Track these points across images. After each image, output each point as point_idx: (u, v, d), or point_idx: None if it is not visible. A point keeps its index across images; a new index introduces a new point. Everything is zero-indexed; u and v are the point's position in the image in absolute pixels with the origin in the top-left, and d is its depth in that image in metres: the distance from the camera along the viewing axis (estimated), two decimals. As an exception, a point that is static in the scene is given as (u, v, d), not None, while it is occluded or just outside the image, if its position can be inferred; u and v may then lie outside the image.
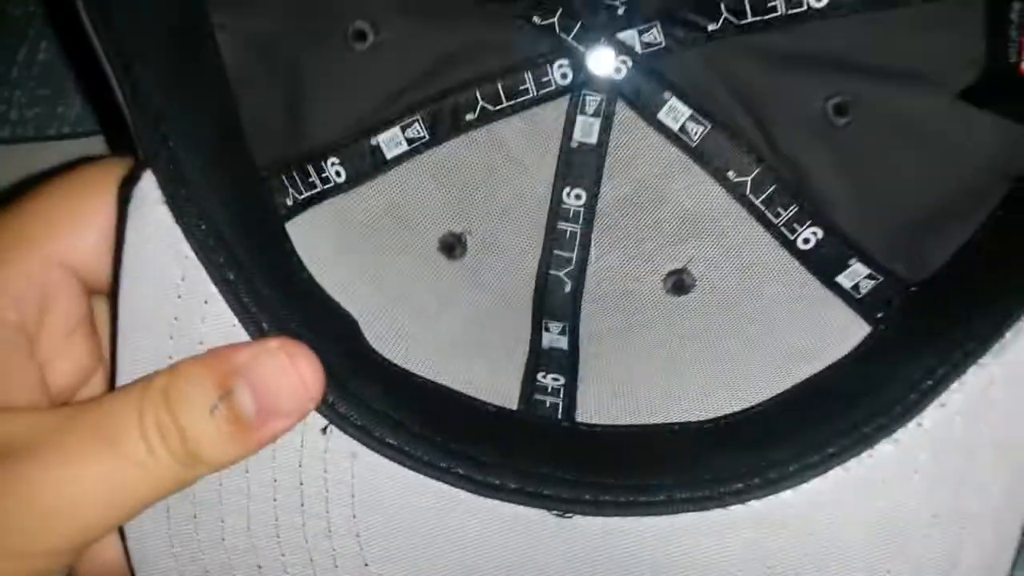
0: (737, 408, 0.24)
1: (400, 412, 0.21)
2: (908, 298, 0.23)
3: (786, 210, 0.28)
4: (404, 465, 0.21)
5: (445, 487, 0.21)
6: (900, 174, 0.26)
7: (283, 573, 0.21)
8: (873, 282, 0.26)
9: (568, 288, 0.30)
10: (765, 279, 0.28)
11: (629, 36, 0.29)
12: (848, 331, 0.25)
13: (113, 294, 0.19)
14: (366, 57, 0.28)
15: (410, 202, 0.29)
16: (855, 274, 0.26)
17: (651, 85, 0.29)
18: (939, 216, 0.25)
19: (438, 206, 0.29)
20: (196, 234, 0.19)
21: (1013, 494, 0.19)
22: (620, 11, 0.28)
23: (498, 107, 0.29)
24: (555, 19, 0.29)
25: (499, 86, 0.29)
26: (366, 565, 0.21)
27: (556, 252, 0.30)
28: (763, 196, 0.29)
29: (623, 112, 0.30)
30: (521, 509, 0.21)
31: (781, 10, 0.27)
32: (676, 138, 0.30)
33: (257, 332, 0.20)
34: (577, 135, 0.30)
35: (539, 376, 0.27)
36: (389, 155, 0.29)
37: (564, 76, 0.30)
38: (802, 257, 0.28)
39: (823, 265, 0.27)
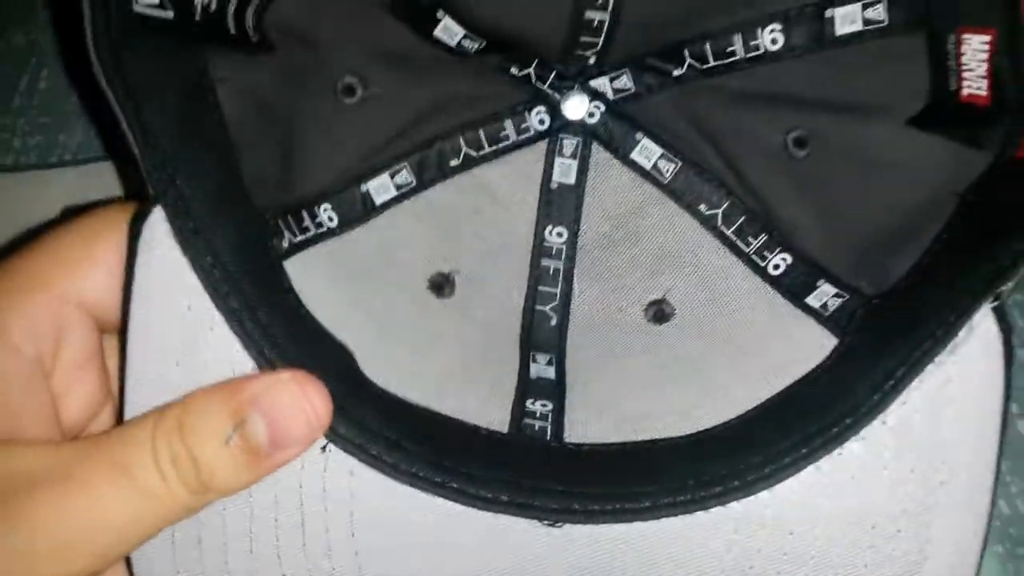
0: (718, 421, 0.25)
1: (395, 432, 0.22)
2: (870, 309, 0.25)
3: (756, 239, 0.30)
4: (400, 480, 0.22)
5: (440, 501, 0.22)
6: (859, 199, 0.28)
7: None
8: (840, 300, 0.27)
9: (554, 321, 0.31)
10: (739, 305, 0.30)
11: (601, 83, 0.31)
12: (818, 345, 0.26)
13: (123, 323, 0.21)
14: (356, 110, 0.29)
15: (400, 244, 0.30)
16: (823, 294, 0.28)
17: (623, 127, 0.31)
18: (897, 235, 0.26)
19: (426, 247, 0.31)
20: (202, 265, 0.21)
21: (976, 488, 0.21)
22: (591, 60, 0.31)
23: (481, 153, 0.31)
24: (531, 70, 0.31)
25: (481, 133, 0.31)
26: None
27: (541, 288, 0.32)
28: (734, 227, 0.30)
29: (598, 153, 0.32)
30: (513, 520, 0.22)
31: (740, 54, 0.29)
32: (649, 176, 0.31)
33: (259, 357, 0.21)
34: (556, 176, 0.32)
35: (528, 403, 0.28)
36: (379, 200, 0.30)
37: (542, 122, 0.31)
38: (774, 282, 0.29)
39: (793, 288, 0.29)
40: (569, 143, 0.32)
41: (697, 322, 0.30)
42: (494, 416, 0.27)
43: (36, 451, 0.20)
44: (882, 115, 0.27)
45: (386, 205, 0.30)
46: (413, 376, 0.27)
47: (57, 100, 0.37)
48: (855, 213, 0.28)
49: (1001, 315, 0.20)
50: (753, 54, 0.29)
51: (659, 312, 0.31)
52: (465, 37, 0.29)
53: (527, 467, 0.24)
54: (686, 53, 0.30)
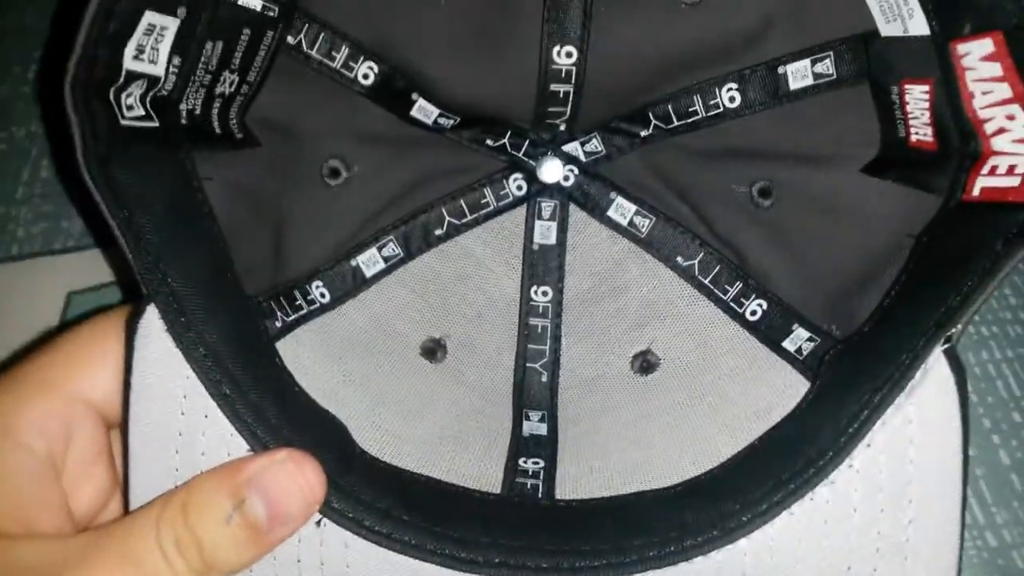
0: (701, 471, 0.26)
1: (388, 501, 0.23)
2: (837, 353, 0.26)
3: (732, 287, 0.31)
4: (394, 550, 0.23)
5: (432, 567, 0.23)
6: (823, 245, 0.29)
7: None
8: (812, 343, 0.28)
9: (544, 378, 0.32)
10: (721, 351, 0.31)
11: (573, 147, 0.33)
12: (794, 390, 0.27)
13: (123, 415, 0.22)
14: (341, 191, 0.31)
15: (391, 313, 0.32)
16: (798, 338, 0.29)
17: (597, 188, 0.33)
18: (860, 278, 0.27)
19: (417, 315, 0.32)
20: (195, 356, 0.22)
21: (945, 522, 0.21)
22: (562, 127, 0.32)
23: (463, 221, 0.33)
24: (505, 140, 0.32)
25: (462, 203, 0.33)
26: None
27: (530, 346, 0.33)
28: (710, 276, 0.31)
29: (576, 214, 0.33)
30: (505, 581, 0.23)
31: (701, 113, 0.30)
32: (626, 232, 0.33)
33: (253, 440, 0.22)
34: (537, 238, 0.33)
35: (520, 461, 0.29)
36: (368, 273, 0.32)
37: (519, 187, 0.33)
38: (751, 328, 0.30)
39: (770, 333, 0.30)
40: (547, 206, 0.33)
41: (682, 371, 0.31)
42: (487, 476, 0.28)
43: (50, 545, 0.21)
44: (838, 163, 0.28)
45: (376, 277, 0.32)
46: (406, 442, 0.28)
47: (59, 188, 0.39)
48: (821, 258, 0.29)
49: (953, 357, 0.21)
50: (713, 112, 0.30)
51: (645, 363, 0.32)
52: (440, 115, 0.31)
53: (519, 528, 0.25)
54: (651, 115, 0.31)
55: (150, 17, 0.22)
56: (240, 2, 0.25)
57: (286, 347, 0.28)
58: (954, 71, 0.23)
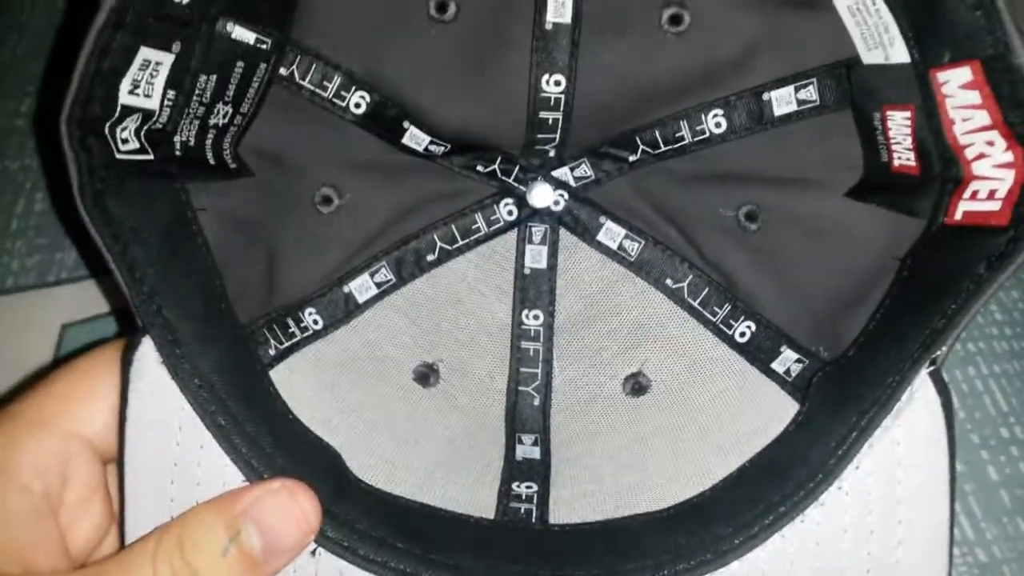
0: (693, 493, 0.26)
1: (382, 530, 0.24)
2: (825, 375, 0.26)
3: (721, 309, 0.31)
4: None
5: None
6: (810, 268, 0.29)
7: None
8: (801, 365, 0.28)
9: (537, 402, 0.33)
10: (711, 373, 0.31)
11: (562, 172, 0.33)
12: (782, 411, 0.27)
13: (119, 447, 0.22)
14: (333, 218, 0.31)
15: (384, 339, 0.32)
16: (786, 360, 0.29)
17: (587, 212, 0.33)
18: (847, 301, 0.28)
19: (410, 340, 0.32)
20: (190, 388, 0.22)
21: (933, 542, 0.22)
22: (551, 153, 0.33)
23: (455, 246, 0.33)
24: (496, 166, 0.33)
25: (454, 228, 0.33)
26: None
27: (522, 370, 0.33)
28: (700, 298, 0.32)
29: (566, 238, 0.34)
30: (500, 607, 0.23)
31: (688, 139, 0.31)
32: (616, 255, 0.33)
33: (248, 470, 0.23)
34: (528, 262, 0.33)
35: (514, 486, 0.29)
36: (361, 299, 0.32)
37: (510, 212, 0.33)
38: (740, 349, 0.31)
39: (759, 354, 0.30)
40: (538, 230, 0.34)
41: (673, 393, 0.31)
42: (480, 501, 0.28)
43: None
44: (823, 187, 0.29)
45: (368, 303, 0.32)
46: (400, 469, 0.28)
47: (53, 221, 0.39)
48: (807, 281, 0.29)
49: (938, 379, 0.22)
50: (700, 138, 0.31)
51: (636, 385, 0.32)
52: (432, 142, 0.31)
53: (514, 553, 0.25)
54: (638, 140, 0.32)
55: (145, 53, 0.22)
56: (234, 36, 0.25)
57: (279, 375, 0.28)
58: (934, 98, 0.24)
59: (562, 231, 0.34)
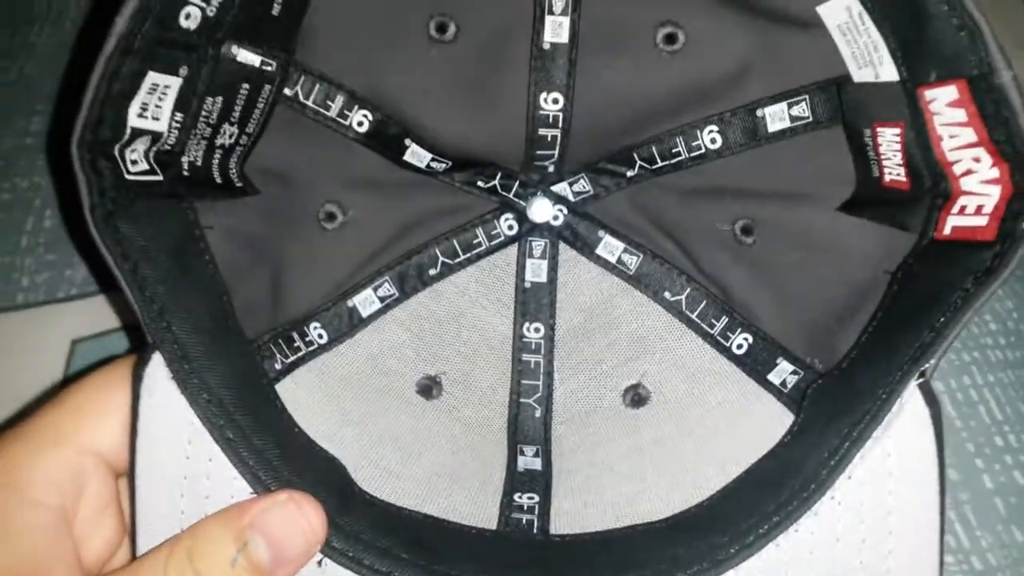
0: (692, 503, 0.27)
1: (387, 541, 0.24)
2: (819, 387, 0.27)
3: (718, 321, 0.32)
4: None
5: None
6: (805, 281, 0.30)
7: None
8: (796, 377, 0.29)
9: (538, 413, 0.33)
10: (709, 384, 0.31)
11: (561, 188, 0.34)
12: (778, 422, 0.28)
13: (130, 461, 0.23)
14: (337, 234, 0.32)
15: (387, 352, 0.33)
16: (782, 371, 0.30)
17: (586, 226, 0.34)
18: (841, 313, 0.28)
19: (413, 353, 0.33)
20: (199, 402, 0.23)
21: (924, 551, 0.22)
22: (550, 168, 0.33)
23: (456, 260, 0.34)
24: (496, 181, 0.33)
25: (455, 243, 0.34)
26: None
27: (524, 382, 0.34)
28: (697, 311, 0.32)
29: (566, 252, 0.34)
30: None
31: (684, 154, 0.32)
32: (615, 268, 0.34)
33: (255, 482, 0.23)
34: (528, 276, 0.34)
35: (516, 496, 0.29)
36: (365, 314, 0.32)
37: (510, 227, 0.34)
38: (737, 361, 0.31)
39: (756, 366, 0.31)
40: (537, 244, 0.34)
41: (672, 404, 0.32)
42: (483, 512, 0.29)
43: None
44: (816, 202, 0.29)
45: (372, 317, 0.33)
46: (404, 480, 0.29)
47: (62, 237, 0.39)
48: (803, 294, 0.30)
49: (927, 391, 0.22)
50: (696, 153, 0.31)
51: (636, 396, 0.32)
52: (433, 159, 0.32)
53: (515, 563, 0.25)
54: (635, 156, 0.32)
55: (153, 77, 0.23)
56: (239, 59, 0.26)
57: (285, 389, 0.28)
58: (923, 115, 0.24)
59: (562, 245, 0.34)
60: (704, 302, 0.32)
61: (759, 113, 0.30)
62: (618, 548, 0.26)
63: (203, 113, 0.26)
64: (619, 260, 0.34)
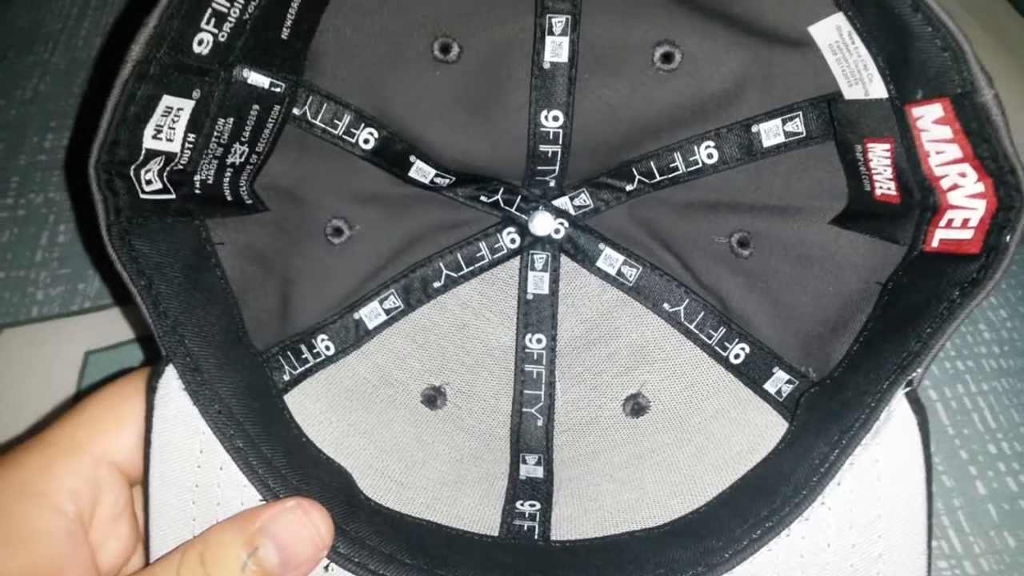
0: (689, 510, 0.28)
1: (392, 546, 0.25)
2: (811, 396, 0.27)
3: (716, 331, 0.33)
4: None
5: None
6: (799, 292, 0.30)
7: None
8: (791, 386, 0.30)
9: (540, 422, 0.34)
10: (707, 393, 0.32)
11: (563, 202, 0.35)
12: (773, 430, 0.28)
13: (144, 469, 0.23)
14: (344, 248, 0.33)
15: (392, 363, 0.33)
16: (778, 380, 0.30)
17: (587, 239, 0.35)
18: (833, 324, 0.29)
19: (417, 364, 0.34)
20: (210, 413, 0.24)
21: (911, 554, 0.23)
22: (551, 183, 0.34)
23: (460, 273, 0.35)
24: (499, 196, 0.34)
25: (459, 256, 0.34)
26: None
27: (526, 392, 0.34)
28: (695, 322, 0.33)
29: (567, 264, 0.35)
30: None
31: (682, 169, 0.32)
32: (615, 281, 0.34)
33: (264, 490, 0.24)
34: (530, 288, 0.35)
35: (518, 504, 0.30)
36: (371, 326, 0.33)
37: (513, 241, 0.35)
38: (735, 370, 0.32)
39: (753, 375, 0.31)
40: (539, 257, 0.35)
41: (671, 413, 0.33)
42: (485, 519, 0.29)
43: None
44: (810, 215, 0.30)
45: (378, 329, 0.34)
46: (409, 488, 0.29)
47: (76, 251, 0.40)
48: (797, 305, 0.30)
49: (915, 399, 0.23)
50: (693, 168, 0.32)
51: (636, 406, 0.33)
52: (437, 175, 0.33)
53: (516, 569, 0.26)
54: (634, 171, 0.33)
55: (167, 100, 0.24)
56: (250, 81, 0.27)
57: (293, 400, 0.29)
58: (911, 131, 0.25)
59: (563, 258, 0.35)
60: (702, 313, 0.33)
61: (754, 129, 0.31)
62: (616, 553, 0.27)
63: (215, 134, 0.27)
64: (619, 272, 0.34)
